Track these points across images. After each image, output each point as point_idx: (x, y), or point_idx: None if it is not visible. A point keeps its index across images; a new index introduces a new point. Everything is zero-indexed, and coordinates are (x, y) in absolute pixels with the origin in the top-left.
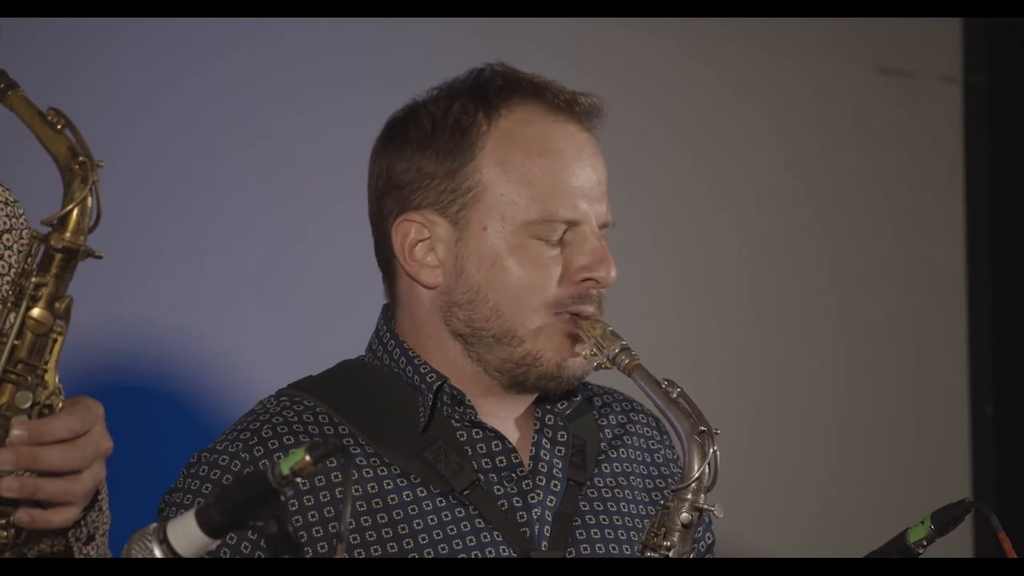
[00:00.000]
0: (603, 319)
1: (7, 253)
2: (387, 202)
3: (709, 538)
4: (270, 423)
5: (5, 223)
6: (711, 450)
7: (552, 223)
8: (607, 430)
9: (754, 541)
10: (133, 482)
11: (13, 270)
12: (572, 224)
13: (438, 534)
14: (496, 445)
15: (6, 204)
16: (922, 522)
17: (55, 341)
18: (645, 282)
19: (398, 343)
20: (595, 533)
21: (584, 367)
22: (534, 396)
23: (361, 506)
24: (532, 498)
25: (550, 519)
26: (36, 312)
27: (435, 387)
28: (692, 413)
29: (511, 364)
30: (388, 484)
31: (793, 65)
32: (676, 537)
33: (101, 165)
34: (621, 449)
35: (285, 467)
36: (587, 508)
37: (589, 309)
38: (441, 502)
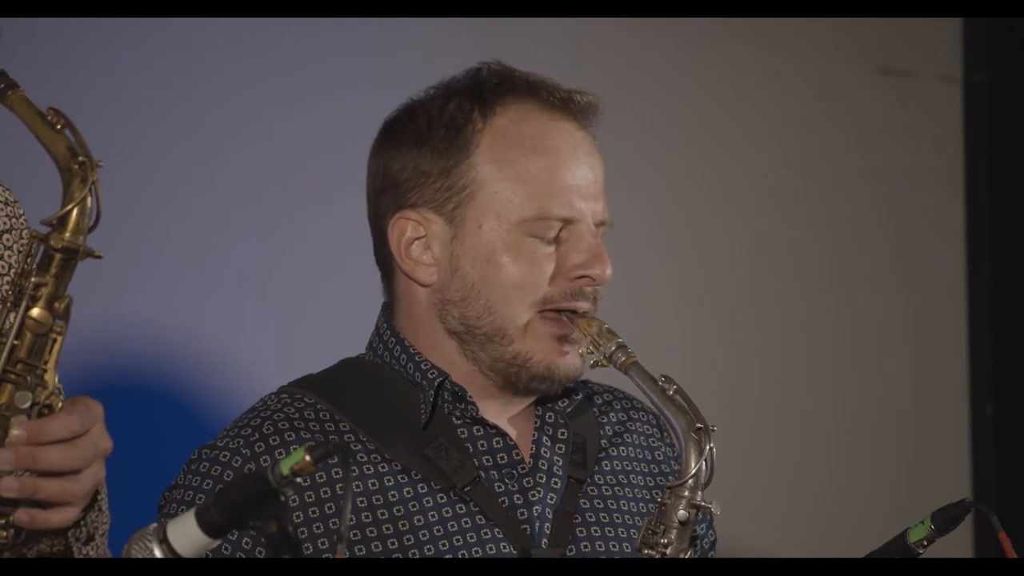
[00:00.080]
0: (599, 317)
1: (7, 253)
2: (384, 201)
3: (711, 535)
4: (271, 419)
5: (5, 223)
6: (708, 447)
7: (547, 220)
8: (607, 428)
9: (754, 541)
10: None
11: (13, 270)
12: (568, 222)
13: (439, 530)
14: (497, 442)
15: (6, 204)
16: (922, 522)
17: (55, 341)
18: (645, 282)
19: (399, 340)
20: (595, 531)
21: (577, 366)
22: (533, 397)
23: (362, 502)
24: (533, 495)
25: (550, 516)
26: (36, 312)
27: (436, 384)
28: (689, 410)
29: (503, 364)
30: (389, 480)
31: (793, 65)
32: (673, 535)
33: (101, 165)
34: (621, 447)
35: (285, 467)
36: (587, 505)
37: (584, 306)
38: (442, 499)
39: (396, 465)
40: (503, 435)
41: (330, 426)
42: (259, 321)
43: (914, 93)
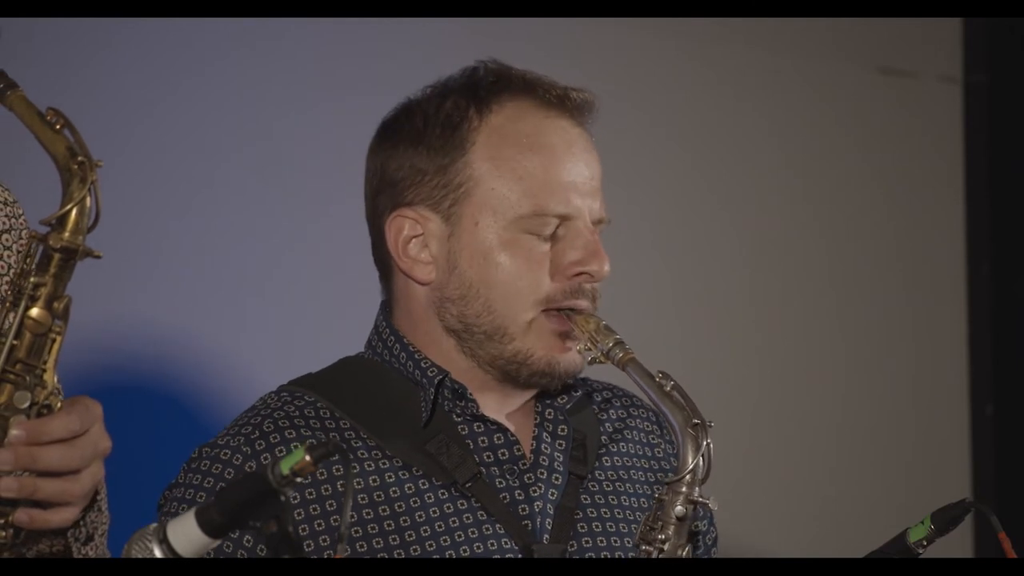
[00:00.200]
0: (597, 314)
1: (6, 253)
2: (381, 200)
3: (713, 532)
4: (271, 417)
5: (4, 223)
6: (705, 442)
7: (544, 217)
8: (607, 424)
9: (754, 541)
10: (133, 482)
11: (12, 270)
12: (564, 219)
13: (440, 526)
14: (498, 438)
15: (5, 204)
16: (922, 522)
17: (54, 341)
18: (645, 282)
19: (398, 339)
20: (596, 526)
21: (577, 363)
22: (533, 392)
23: (363, 499)
24: (534, 491)
25: (551, 512)
26: (35, 312)
27: (436, 381)
28: (686, 406)
29: (502, 361)
30: (390, 477)
31: (793, 65)
32: (671, 530)
33: (100, 165)
34: (621, 443)
35: (285, 467)
36: (588, 501)
37: (583, 304)
38: (443, 494)
39: (397, 462)
40: (504, 431)
41: (330, 424)
42: (259, 321)
43: (914, 93)
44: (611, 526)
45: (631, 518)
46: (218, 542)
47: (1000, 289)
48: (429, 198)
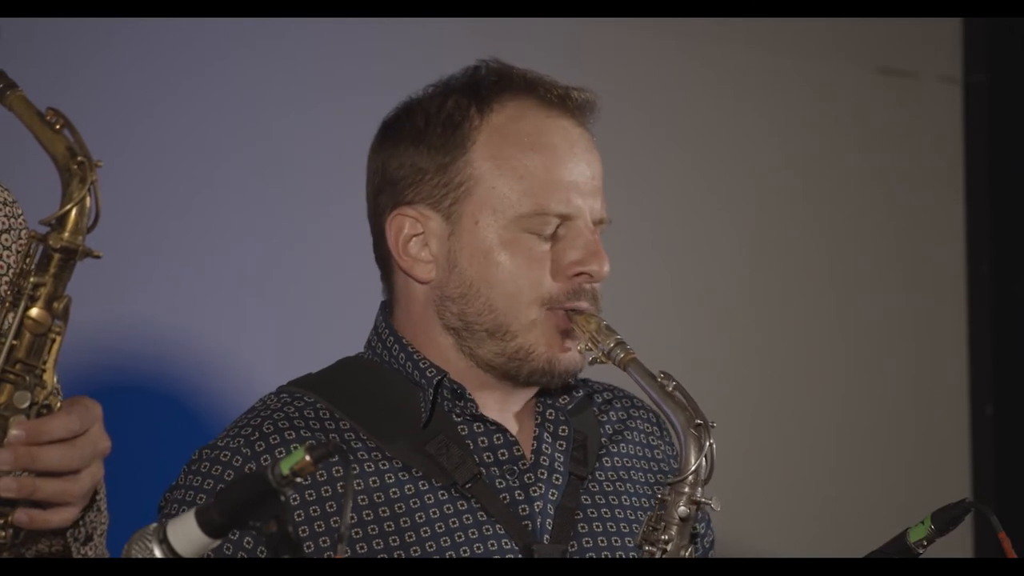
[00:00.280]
0: (599, 314)
1: (5, 253)
2: (382, 199)
3: (711, 535)
4: (271, 419)
5: (3, 223)
6: (707, 443)
7: (544, 216)
8: (607, 426)
9: (754, 541)
10: (133, 482)
11: (11, 270)
12: (565, 218)
13: (440, 527)
14: (498, 438)
15: (4, 204)
16: (922, 522)
17: (53, 341)
18: (645, 282)
19: (397, 339)
20: (597, 526)
21: (577, 362)
22: (533, 391)
23: (363, 500)
24: (534, 491)
25: (552, 512)
26: (34, 312)
27: (435, 382)
28: (688, 406)
29: (503, 359)
30: (390, 477)
31: (793, 65)
32: (674, 531)
33: (100, 165)
34: (621, 444)
35: (285, 467)
36: (588, 502)
37: (584, 304)
38: (443, 495)
39: (397, 463)
40: (503, 431)
41: (330, 425)
42: (259, 321)
43: (914, 93)
44: (611, 526)
45: (632, 518)
46: (218, 542)
47: (1000, 289)
48: (430, 197)
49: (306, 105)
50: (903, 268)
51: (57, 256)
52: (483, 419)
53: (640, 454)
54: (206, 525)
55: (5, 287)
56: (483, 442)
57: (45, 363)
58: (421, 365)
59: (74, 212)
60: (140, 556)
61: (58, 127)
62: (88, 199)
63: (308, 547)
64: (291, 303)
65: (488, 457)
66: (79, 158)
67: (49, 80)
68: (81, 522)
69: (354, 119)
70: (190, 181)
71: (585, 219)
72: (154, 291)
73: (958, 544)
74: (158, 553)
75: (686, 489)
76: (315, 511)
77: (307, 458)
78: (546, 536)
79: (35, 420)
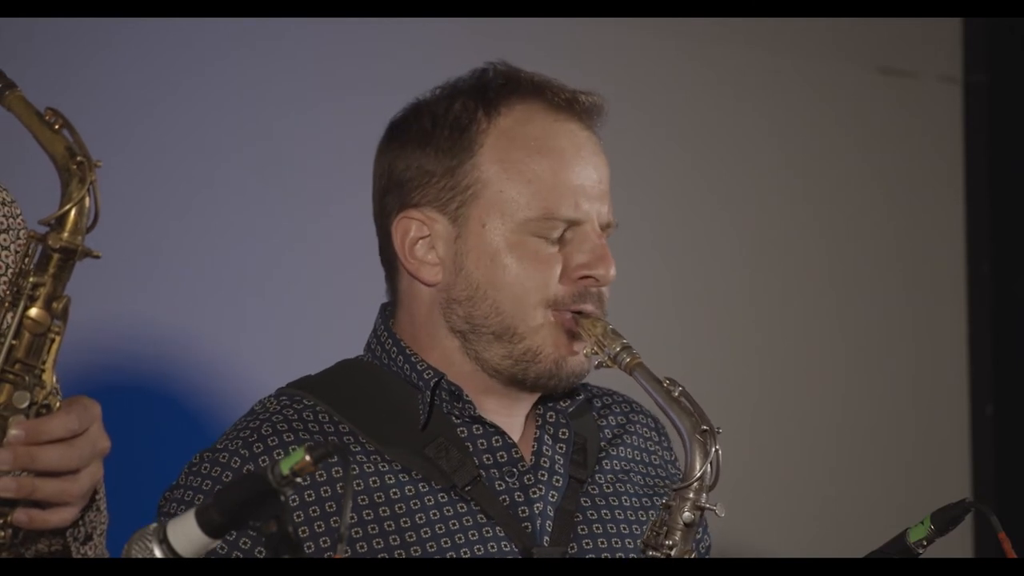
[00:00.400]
0: (605, 318)
1: (4, 253)
2: (388, 200)
3: (707, 540)
4: (270, 421)
5: (2, 223)
6: (713, 449)
7: (552, 220)
8: (607, 430)
9: (754, 541)
10: (133, 482)
11: (11, 270)
12: (572, 223)
13: (440, 528)
14: (496, 440)
15: (3, 204)
16: (922, 522)
17: (53, 341)
18: (645, 282)
19: (395, 342)
20: (597, 528)
21: (583, 365)
22: (535, 395)
23: (363, 500)
24: (534, 492)
25: (552, 514)
26: (34, 312)
27: (432, 384)
28: (694, 412)
29: (510, 361)
30: (390, 479)
31: (793, 65)
32: (678, 536)
33: (99, 165)
34: (621, 448)
35: (285, 467)
36: (588, 504)
37: (589, 307)
38: (443, 498)
39: (396, 465)
40: (502, 433)
41: (329, 428)
42: (259, 321)
43: (914, 93)
44: (612, 527)
45: (632, 518)
46: (218, 542)
47: (1000, 289)
48: (436, 199)
49: (306, 105)
50: (903, 268)
51: (56, 256)
52: (482, 421)
53: (639, 458)
54: (206, 525)
55: (4, 287)
56: (482, 444)
57: (44, 363)
58: (419, 367)
59: (73, 212)
60: (140, 556)
61: (57, 127)
62: (87, 199)
63: (308, 547)
64: (291, 303)
65: (487, 459)
66: (78, 158)
67: (49, 80)
68: (80, 522)
69: (354, 119)
70: (190, 181)
71: (592, 223)
72: (154, 291)
73: (958, 544)
74: (158, 553)
75: (691, 495)
76: (315, 511)
77: (307, 458)
78: (546, 538)
79: (34, 420)
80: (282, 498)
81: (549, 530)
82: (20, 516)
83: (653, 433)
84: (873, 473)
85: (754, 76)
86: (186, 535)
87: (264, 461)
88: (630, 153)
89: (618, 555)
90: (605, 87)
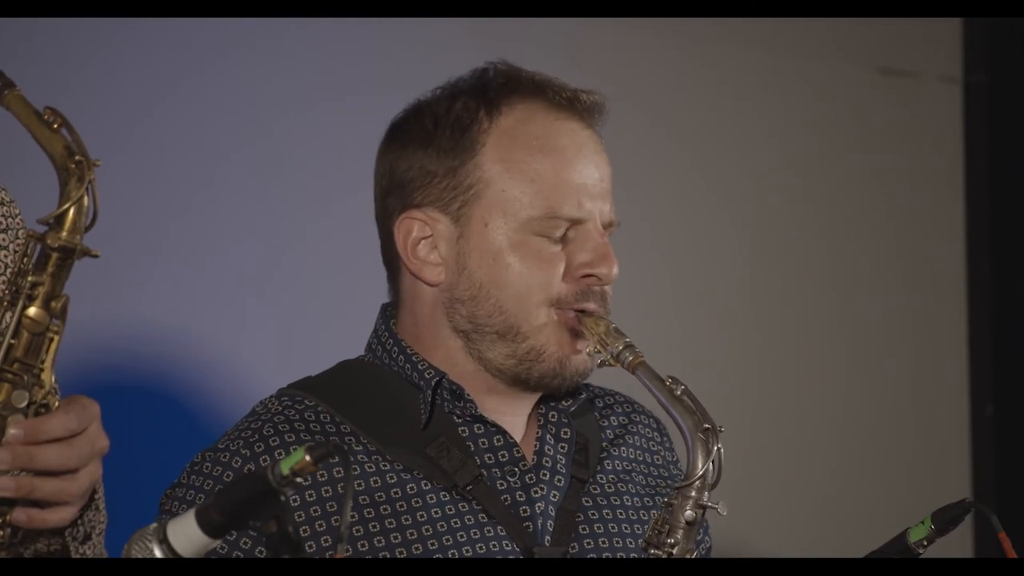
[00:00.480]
0: (608, 316)
1: (3, 252)
2: (390, 201)
3: (708, 541)
4: (271, 422)
5: (1, 222)
6: (715, 448)
7: (555, 220)
8: (608, 430)
9: (754, 541)
10: (133, 482)
11: (9, 269)
12: (575, 222)
13: (442, 526)
14: (498, 440)
15: (1, 204)
16: (922, 522)
17: (51, 340)
18: (645, 282)
19: (396, 342)
20: (598, 528)
21: (587, 365)
22: (538, 395)
23: (364, 499)
24: (535, 492)
25: (553, 514)
26: (32, 311)
27: (433, 383)
28: (696, 410)
29: (514, 360)
30: (391, 478)
31: (793, 65)
32: (680, 535)
33: (98, 164)
34: (623, 448)
35: (285, 467)
36: (590, 504)
37: (592, 305)
38: (444, 497)
39: (398, 465)
40: (503, 432)
41: (331, 428)
42: (259, 321)
43: (914, 93)
44: (613, 527)
45: (634, 518)
46: (218, 542)
47: (1000, 289)
48: (438, 200)
49: (306, 105)
50: (903, 268)
51: (55, 255)
52: (483, 420)
53: (641, 458)
54: (206, 525)
55: (3, 286)
56: (483, 443)
57: (43, 362)
58: (420, 367)
59: (72, 211)
60: (140, 556)
61: (56, 126)
62: (86, 198)
63: (309, 547)
64: (291, 303)
65: (489, 458)
66: (77, 157)
67: (49, 80)
68: (79, 521)
69: (354, 119)
70: (190, 181)
71: (595, 222)
72: (154, 291)
73: (958, 544)
74: (158, 553)
75: (693, 493)
76: (315, 511)
77: (307, 458)
78: (547, 538)
79: (33, 419)
80: (282, 498)
81: (550, 530)
82: (19, 515)
83: (655, 433)
84: (873, 473)
85: (754, 76)
86: (186, 535)
87: (265, 461)
88: (630, 153)
89: (619, 555)
90: (605, 87)
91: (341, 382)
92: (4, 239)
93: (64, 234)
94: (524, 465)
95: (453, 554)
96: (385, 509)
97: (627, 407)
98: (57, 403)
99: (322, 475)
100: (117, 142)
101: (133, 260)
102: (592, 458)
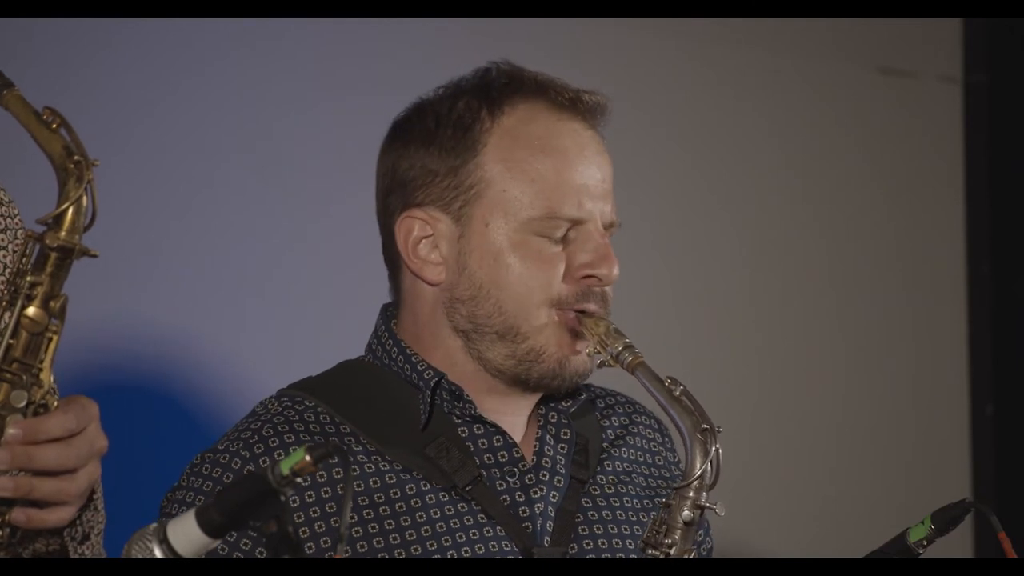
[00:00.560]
0: (608, 317)
1: (1, 252)
2: (392, 200)
3: (709, 543)
4: (271, 423)
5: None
6: (713, 448)
7: (556, 220)
8: (609, 431)
9: (754, 541)
10: (132, 482)
11: (8, 269)
12: (576, 222)
13: (441, 527)
14: (497, 440)
15: (0, 204)
16: (922, 522)
17: (50, 340)
18: (645, 282)
19: (396, 342)
20: (598, 528)
21: (586, 365)
22: (538, 395)
23: (363, 500)
24: (535, 492)
25: (552, 515)
26: (31, 311)
27: (432, 383)
28: (695, 411)
29: (513, 361)
30: (391, 478)
31: (793, 65)
32: (677, 535)
33: (96, 164)
34: (623, 449)
35: (285, 467)
36: (589, 505)
37: (592, 306)
38: (444, 497)
39: (397, 465)
40: (503, 433)
41: (331, 429)
42: (259, 321)
43: (914, 93)
44: (613, 528)
45: (634, 519)
46: (218, 542)
47: (1000, 289)
48: (440, 199)
49: (306, 105)
50: (903, 268)
51: (54, 255)
52: (482, 420)
53: (642, 459)
54: (206, 525)
55: (2, 286)
56: (483, 444)
57: (42, 362)
58: (419, 367)
59: (71, 211)
60: (140, 556)
61: (55, 126)
62: (84, 198)
63: (309, 547)
64: (291, 303)
65: (488, 459)
66: (76, 157)
67: (49, 80)
68: (78, 521)
69: (354, 119)
70: (190, 181)
71: (596, 222)
72: (154, 291)
73: (958, 544)
74: (158, 553)
75: (691, 493)
76: (315, 512)
77: (307, 458)
78: (546, 538)
79: (32, 419)
80: (282, 498)
81: (550, 530)
82: (18, 515)
83: (656, 434)
84: (873, 473)
85: (754, 76)
86: (186, 535)
87: (265, 462)
88: (630, 153)
89: (619, 556)
90: (605, 87)
91: (341, 382)
92: (3, 239)
93: (63, 234)
94: (524, 465)
95: (452, 554)
96: (384, 510)
97: (628, 408)
98: (56, 403)
99: (321, 476)
100: (117, 142)
101: (133, 260)
102: (592, 459)
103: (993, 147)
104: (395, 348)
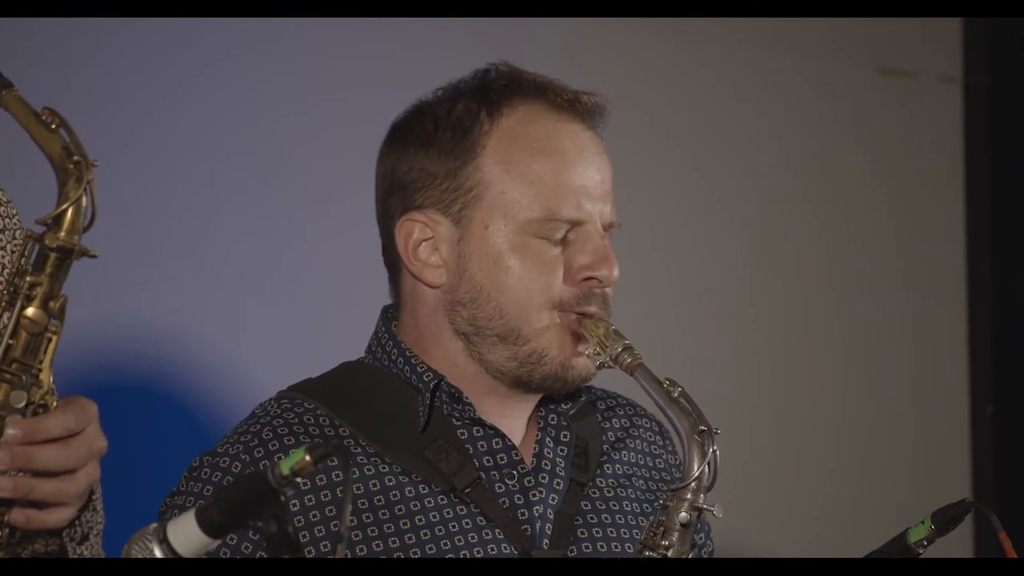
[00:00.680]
0: (608, 318)
1: (1, 253)
2: (391, 202)
3: (710, 546)
4: (270, 425)
5: None
6: (711, 450)
7: (555, 222)
8: (610, 433)
9: (754, 541)
10: (132, 482)
11: (7, 269)
12: (575, 224)
13: (440, 530)
14: (496, 443)
15: None
16: (922, 522)
17: (50, 340)
18: (645, 282)
19: (396, 344)
20: (597, 532)
21: (588, 368)
22: (538, 397)
23: (363, 503)
24: (534, 495)
25: (552, 517)
26: (31, 311)
27: (432, 386)
28: (693, 413)
29: (515, 363)
30: (390, 480)
31: (793, 65)
32: (675, 537)
33: (96, 164)
34: (624, 451)
35: (285, 467)
36: (589, 508)
37: (593, 308)
38: (443, 500)
39: (396, 467)
40: (502, 435)
41: (329, 431)
42: (259, 321)
43: (914, 93)
44: (612, 531)
45: (633, 523)
46: (218, 542)
47: (1000, 289)
48: (439, 201)
49: (306, 105)
50: (903, 268)
51: (53, 255)
52: (481, 423)
53: (642, 462)
54: (206, 525)
55: (1, 286)
56: (482, 446)
57: (41, 362)
58: (419, 370)
59: (70, 211)
60: (140, 556)
61: (54, 126)
62: (84, 198)
63: (309, 551)
64: (291, 303)
65: (487, 461)
66: (75, 157)
67: (49, 80)
68: (77, 522)
69: (354, 119)
70: (190, 181)
71: (595, 224)
72: (154, 291)
73: (958, 544)
74: (158, 553)
75: (688, 495)
76: (315, 516)
77: (307, 458)
78: (545, 541)
79: (31, 419)
80: (282, 498)
81: (549, 533)
82: (17, 516)
83: (657, 437)
84: (873, 473)
85: (754, 76)
86: (186, 535)
87: (264, 465)
88: (630, 153)
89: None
90: (605, 87)
91: (341, 384)
92: (2, 239)
93: (62, 234)
94: (523, 468)
95: (451, 557)
96: (384, 513)
97: (629, 410)
98: (55, 403)
99: (321, 479)
100: (117, 142)
101: (133, 260)
102: (592, 461)
103: (993, 147)
104: (395, 350)
